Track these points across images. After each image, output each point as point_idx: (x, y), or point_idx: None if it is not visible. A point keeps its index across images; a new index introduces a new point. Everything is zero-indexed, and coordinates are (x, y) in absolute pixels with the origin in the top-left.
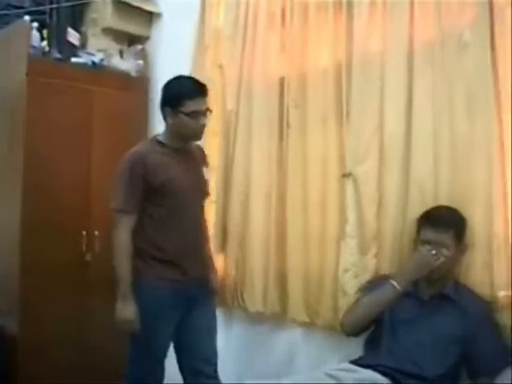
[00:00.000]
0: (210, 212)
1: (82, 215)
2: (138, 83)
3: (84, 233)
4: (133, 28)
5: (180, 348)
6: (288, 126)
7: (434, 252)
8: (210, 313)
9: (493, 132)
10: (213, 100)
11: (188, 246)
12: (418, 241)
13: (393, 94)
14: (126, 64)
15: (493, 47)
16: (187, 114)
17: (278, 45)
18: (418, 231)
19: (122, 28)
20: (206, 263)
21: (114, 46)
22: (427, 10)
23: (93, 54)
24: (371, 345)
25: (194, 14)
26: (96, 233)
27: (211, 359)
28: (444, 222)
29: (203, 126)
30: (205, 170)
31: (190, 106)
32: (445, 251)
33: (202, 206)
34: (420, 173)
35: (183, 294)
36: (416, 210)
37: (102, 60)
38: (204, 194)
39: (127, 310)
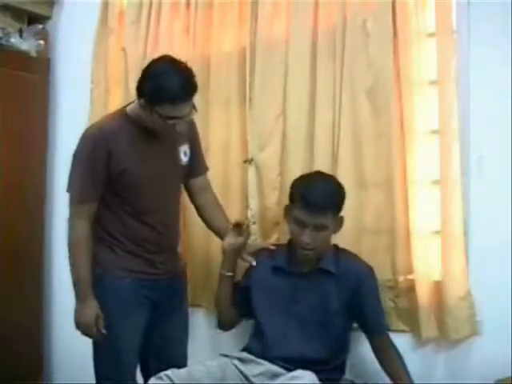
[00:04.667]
0: None
1: None
2: (38, 64)
3: None
4: (33, 6)
5: (147, 351)
6: None
7: (307, 240)
8: (183, 314)
9: (394, 119)
10: (115, 83)
11: (156, 244)
12: (291, 215)
13: (296, 79)
14: (26, 44)
15: (395, 35)
16: (163, 118)
17: (182, 29)
18: (291, 202)
19: (22, 6)
20: (179, 258)
21: (13, 25)
22: None
23: None
24: (257, 332)
25: None
26: None
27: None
28: (322, 206)
29: (178, 131)
30: (186, 149)
31: (169, 111)
32: (322, 233)
33: (177, 194)
34: (323, 158)
35: (152, 289)
36: None
37: None
38: (178, 180)
39: (87, 312)
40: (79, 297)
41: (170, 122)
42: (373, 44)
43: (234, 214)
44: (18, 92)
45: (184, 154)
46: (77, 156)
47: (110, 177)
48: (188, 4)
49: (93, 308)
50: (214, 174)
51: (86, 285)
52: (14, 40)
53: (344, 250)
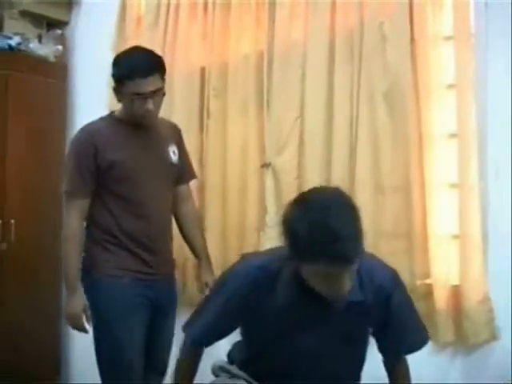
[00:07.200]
0: None
1: None
2: (56, 69)
3: None
4: (51, 12)
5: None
6: (208, 116)
7: (344, 292)
8: (172, 322)
9: (411, 123)
10: None
11: (150, 238)
12: (302, 271)
13: (314, 83)
14: (45, 49)
15: (412, 38)
16: (128, 96)
17: (200, 33)
18: (296, 257)
19: (41, 11)
20: (172, 260)
21: (32, 30)
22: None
23: (10, 38)
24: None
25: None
26: (12, 221)
27: (163, 371)
28: (351, 258)
29: (147, 110)
30: (175, 150)
31: (130, 87)
32: (353, 275)
33: (168, 194)
34: (340, 162)
35: (150, 289)
36: None
37: (19, 44)
38: (169, 177)
39: (74, 303)
40: (68, 290)
41: (134, 98)
42: (390, 47)
43: (251, 219)
44: (37, 96)
45: (173, 153)
46: (67, 155)
47: (100, 171)
48: (205, 8)
49: (80, 299)
50: (232, 179)
51: (75, 278)
52: (33, 45)
53: (367, 269)
